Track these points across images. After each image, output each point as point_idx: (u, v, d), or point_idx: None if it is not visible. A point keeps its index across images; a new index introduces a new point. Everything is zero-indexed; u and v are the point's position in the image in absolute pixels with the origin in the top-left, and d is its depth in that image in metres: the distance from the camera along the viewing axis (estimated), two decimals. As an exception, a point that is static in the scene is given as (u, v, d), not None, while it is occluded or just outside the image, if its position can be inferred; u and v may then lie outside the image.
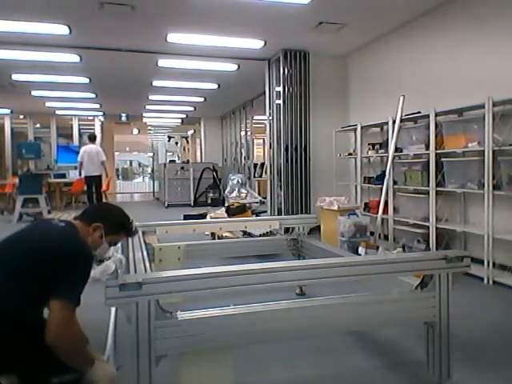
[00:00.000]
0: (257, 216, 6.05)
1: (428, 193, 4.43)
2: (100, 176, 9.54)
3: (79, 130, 13.16)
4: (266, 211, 6.95)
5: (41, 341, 1.58)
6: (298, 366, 2.34)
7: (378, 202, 4.99)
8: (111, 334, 2.53)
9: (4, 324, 1.56)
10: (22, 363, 1.63)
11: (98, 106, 11.23)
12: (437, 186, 4.34)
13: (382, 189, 4.95)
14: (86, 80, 8.16)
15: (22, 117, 12.70)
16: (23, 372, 1.67)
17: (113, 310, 2.77)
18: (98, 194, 9.80)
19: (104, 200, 11.19)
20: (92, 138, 9.72)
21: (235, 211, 5.76)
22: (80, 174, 9.55)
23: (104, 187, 11.32)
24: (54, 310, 1.54)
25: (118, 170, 22.06)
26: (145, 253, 2.56)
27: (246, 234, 5.02)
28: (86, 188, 9.72)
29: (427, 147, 4.43)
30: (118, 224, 2.03)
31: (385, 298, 2.07)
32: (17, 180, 8.76)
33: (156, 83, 8.51)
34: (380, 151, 5.39)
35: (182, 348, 1.74)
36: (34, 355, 1.61)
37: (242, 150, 11.79)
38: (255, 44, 5.99)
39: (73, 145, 12.85)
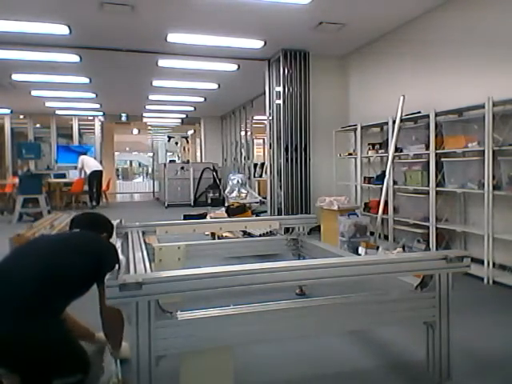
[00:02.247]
0: (257, 216, 6.05)
1: (428, 193, 4.43)
2: (102, 172, 10.67)
3: (79, 129, 13.15)
4: (265, 211, 6.95)
5: (53, 339, 1.80)
6: (298, 366, 2.34)
7: (378, 202, 4.99)
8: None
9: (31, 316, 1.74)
10: (30, 358, 1.74)
11: (98, 105, 11.23)
12: (437, 186, 4.34)
13: (381, 189, 4.95)
14: (86, 80, 8.16)
15: (22, 117, 12.69)
16: (28, 369, 1.75)
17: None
18: (98, 191, 10.27)
19: (104, 200, 11.25)
20: (84, 153, 11.40)
21: (235, 211, 5.76)
22: (80, 175, 10.59)
23: (104, 187, 11.38)
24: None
25: (118, 170, 22.06)
26: (145, 253, 2.56)
27: (246, 234, 5.03)
28: (88, 187, 10.26)
29: (427, 147, 4.43)
30: (112, 231, 2.54)
31: (385, 298, 2.07)
32: (17, 180, 8.77)
33: (156, 83, 8.51)
34: (380, 151, 5.39)
35: (182, 348, 1.74)
36: (42, 351, 1.75)
37: (242, 150, 11.80)
38: (255, 44, 5.99)
39: (73, 145, 12.85)
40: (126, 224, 3.35)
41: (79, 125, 13.10)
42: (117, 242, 3.23)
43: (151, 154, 18.41)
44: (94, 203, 10.60)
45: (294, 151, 6.39)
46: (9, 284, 1.82)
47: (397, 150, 4.84)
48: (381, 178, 5.20)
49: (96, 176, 10.50)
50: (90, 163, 10.68)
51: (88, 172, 10.51)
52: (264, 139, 12.74)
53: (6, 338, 1.70)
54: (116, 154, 18.07)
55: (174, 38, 5.66)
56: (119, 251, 2.89)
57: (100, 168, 10.76)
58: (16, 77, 7.82)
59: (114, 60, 6.88)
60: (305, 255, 3.50)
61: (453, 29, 4.52)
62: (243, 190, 7.27)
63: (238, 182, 7.40)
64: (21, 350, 1.71)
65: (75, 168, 11.56)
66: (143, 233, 3.22)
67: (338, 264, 1.98)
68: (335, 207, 4.90)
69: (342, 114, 6.64)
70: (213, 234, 5.31)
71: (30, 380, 1.85)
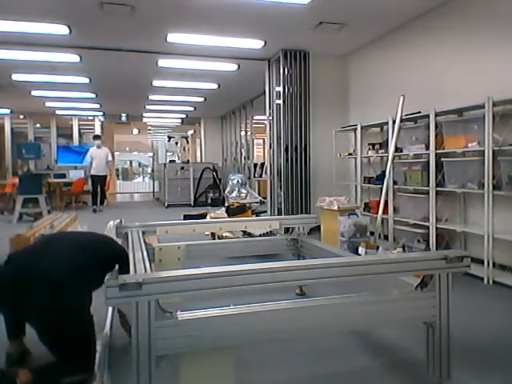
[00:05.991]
0: (257, 216, 6.05)
1: (428, 193, 4.43)
2: (106, 176, 10.18)
3: (79, 129, 13.15)
4: (265, 211, 6.95)
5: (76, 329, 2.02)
6: (298, 365, 2.34)
7: (378, 202, 4.98)
8: (107, 334, 2.55)
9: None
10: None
11: (98, 106, 11.23)
12: (437, 186, 4.34)
13: (381, 189, 4.95)
14: (86, 80, 8.16)
15: (22, 117, 12.69)
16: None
17: (110, 310, 2.79)
18: (102, 193, 10.04)
19: (105, 200, 11.19)
20: (97, 137, 10.53)
21: (235, 211, 5.76)
22: (88, 173, 10.12)
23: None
24: None
25: (117, 170, 22.06)
26: (145, 253, 2.55)
27: (246, 233, 5.02)
28: (91, 187, 10.03)
29: (427, 147, 4.43)
30: None
31: (385, 298, 2.07)
32: (17, 180, 8.76)
33: (156, 83, 8.51)
34: (380, 151, 5.39)
35: (182, 348, 1.74)
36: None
37: (242, 150, 11.80)
38: (255, 44, 5.99)
39: (73, 145, 12.85)
40: (126, 224, 3.35)
41: (79, 125, 13.10)
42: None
43: (151, 154, 18.40)
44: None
45: (294, 151, 6.39)
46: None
47: (397, 149, 4.83)
48: (381, 177, 5.20)
49: (99, 181, 9.98)
50: (96, 166, 9.89)
51: (92, 171, 9.97)
52: (264, 139, 12.73)
53: (56, 280, 1.99)
54: (116, 154, 18.05)
55: (173, 38, 5.66)
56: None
57: (103, 173, 10.05)
58: (16, 77, 7.82)
59: (114, 60, 6.89)
60: (305, 255, 3.49)
61: (453, 28, 4.52)
62: (243, 190, 7.26)
63: (238, 182, 7.39)
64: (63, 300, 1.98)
65: (75, 168, 11.54)
66: (143, 233, 3.21)
67: (338, 264, 1.98)
68: (335, 207, 4.90)
69: (342, 114, 6.63)
70: (213, 234, 5.31)
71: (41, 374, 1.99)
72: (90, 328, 2.11)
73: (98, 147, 10.10)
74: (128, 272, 2.27)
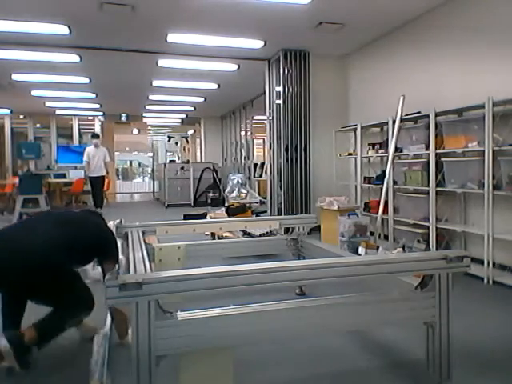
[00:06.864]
0: (257, 216, 6.05)
1: (428, 193, 4.43)
2: (104, 176, 9.82)
3: (79, 129, 13.15)
4: (266, 211, 6.95)
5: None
6: (298, 365, 2.34)
7: (378, 202, 4.99)
8: (107, 334, 2.55)
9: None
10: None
11: (98, 106, 11.23)
12: (437, 186, 4.34)
13: (381, 189, 4.95)
14: (86, 80, 8.16)
15: (22, 117, 12.69)
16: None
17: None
18: (101, 194, 9.90)
19: (105, 200, 11.16)
20: (95, 136, 10.04)
21: (235, 211, 5.77)
22: (87, 173, 9.64)
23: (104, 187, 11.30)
24: (109, 266, 2.50)
25: (117, 170, 22.06)
26: (145, 253, 2.55)
27: (246, 233, 5.02)
28: (90, 188, 9.72)
29: (427, 147, 4.43)
30: None
31: (385, 298, 2.07)
32: (17, 180, 8.76)
33: (156, 83, 8.51)
34: (380, 151, 5.39)
35: (182, 348, 1.74)
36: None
37: (242, 150, 11.79)
38: (255, 44, 5.99)
39: (73, 145, 12.85)
40: (126, 224, 3.35)
41: (79, 125, 13.09)
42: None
43: (151, 154, 18.39)
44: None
45: (294, 151, 6.39)
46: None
47: (397, 149, 4.84)
48: (381, 177, 5.20)
49: (98, 181, 9.61)
50: (94, 167, 9.46)
51: (89, 172, 9.59)
52: (264, 139, 12.73)
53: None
54: (116, 153, 18.03)
55: (173, 38, 5.66)
56: (119, 251, 2.91)
57: (102, 173, 9.65)
58: (16, 77, 7.81)
59: (114, 60, 6.88)
60: (305, 255, 3.49)
61: (453, 28, 4.52)
62: (243, 190, 7.26)
63: (237, 182, 7.39)
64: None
65: (75, 168, 11.52)
66: (143, 233, 3.21)
67: (338, 264, 1.98)
68: (335, 207, 4.90)
69: (342, 114, 6.64)
70: (213, 234, 5.31)
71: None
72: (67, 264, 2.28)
73: (96, 146, 9.51)
74: (117, 255, 2.53)
